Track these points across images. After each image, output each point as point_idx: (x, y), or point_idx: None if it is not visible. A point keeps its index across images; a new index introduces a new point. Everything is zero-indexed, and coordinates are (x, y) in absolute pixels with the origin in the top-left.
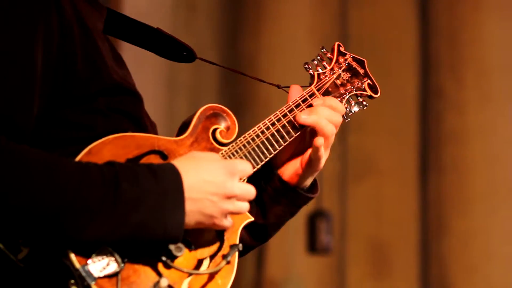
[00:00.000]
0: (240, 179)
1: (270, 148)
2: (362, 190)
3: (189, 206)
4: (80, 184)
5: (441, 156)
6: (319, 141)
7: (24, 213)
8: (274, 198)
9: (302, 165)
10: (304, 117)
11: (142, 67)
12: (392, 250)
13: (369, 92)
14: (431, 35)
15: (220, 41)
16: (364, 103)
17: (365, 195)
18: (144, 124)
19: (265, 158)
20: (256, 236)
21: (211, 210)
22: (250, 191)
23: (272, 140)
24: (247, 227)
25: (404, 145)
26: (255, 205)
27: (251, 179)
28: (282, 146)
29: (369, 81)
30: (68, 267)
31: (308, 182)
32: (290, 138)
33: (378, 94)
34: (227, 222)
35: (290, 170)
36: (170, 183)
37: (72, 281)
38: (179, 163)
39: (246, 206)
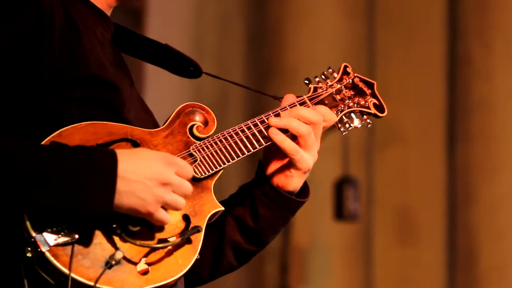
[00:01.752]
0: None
1: (244, 149)
2: (389, 157)
3: (122, 186)
4: (17, 158)
5: (469, 124)
6: (278, 137)
7: None
8: (264, 203)
9: (288, 168)
10: (275, 120)
11: (168, 34)
12: (419, 217)
13: (373, 111)
14: (459, 1)
15: (246, 7)
16: (368, 121)
17: (392, 163)
18: (123, 116)
19: (237, 157)
20: (251, 240)
21: (144, 194)
22: (186, 184)
23: (253, 139)
24: (241, 232)
25: (431, 113)
26: (249, 210)
27: (243, 185)
28: (257, 149)
29: (375, 101)
30: (24, 234)
31: (298, 185)
32: (265, 143)
33: (384, 114)
34: (162, 213)
35: (279, 175)
36: (104, 164)
37: (29, 248)
38: (120, 150)
39: (182, 201)
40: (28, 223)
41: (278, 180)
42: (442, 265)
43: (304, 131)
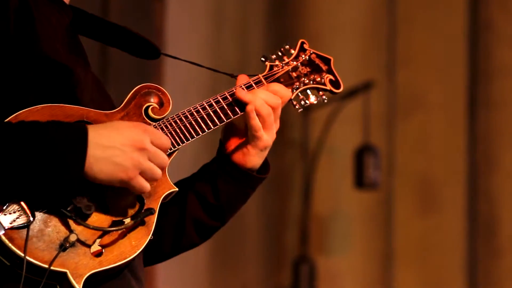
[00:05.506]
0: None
1: (204, 127)
2: (410, 125)
3: (97, 153)
4: None
5: (490, 91)
6: (249, 107)
7: None
8: (224, 179)
9: (247, 145)
10: (243, 93)
11: (188, 4)
12: (440, 185)
13: (329, 87)
14: None
15: None
16: (324, 97)
17: (413, 131)
18: (77, 98)
19: (195, 136)
20: (212, 216)
21: (122, 159)
22: (162, 155)
23: (207, 119)
24: (203, 208)
25: (453, 80)
26: (210, 187)
27: (204, 164)
28: (217, 126)
29: (331, 77)
30: None
31: (257, 162)
32: (227, 120)
33: (340, 89)
34: (142, 180)
35: (238, 152)
36: (75, 132)
37: None
38: (92, 124)
39: (159, 171)
40: None
41: (238, 157)
42: (463, 233)
43: (265, 111)
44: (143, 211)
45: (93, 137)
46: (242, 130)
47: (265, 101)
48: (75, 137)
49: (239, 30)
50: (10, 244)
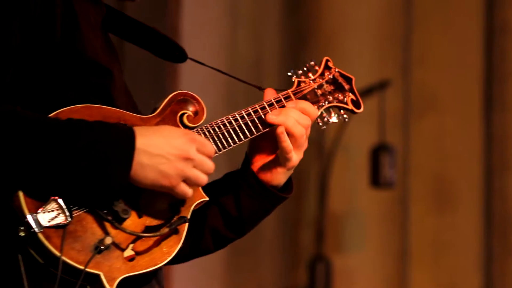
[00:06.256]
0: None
1: (236, 138)
2: (425, 125)
3: (144, 159)
4: (36, 127)
5: (505, 92)
6: (279, 129)
7: None
8: (248, 194)
9: (275, 163)
10: (273, 117)
11: (203, 3)
12: (455, 185)
13: (350, 107)
14: None
15: None
16: (345, 116)
17: (428, 130)
18: (113, 100)
19: (227, 147)
20: (231, 228)
21: (166, 168)
22: (208, 162)
23: (238, 131)
24: (223, 219)
25: (468, 81)
26: (232, 199)
27: (228, 173)
28: (248, 139)
29: (353, 96)
30: (17, 214)
31: (282, 180)
32: (257, 133)
33: (361, 110)
34: (185, 187)
35: (264, 168)
36: (123, 135)
37: (22, 227)
38: (139, 127)
39: (204, 177)
40: (23, 203)
41: (264, 173)
42: (478, 232)
43: (298, 132)
44: (176, 219)
45: (140, 143)
46: (270, 146)
47: (297, 121)
48: (123, 144)
49: (255, 28)
50: (47, 243)
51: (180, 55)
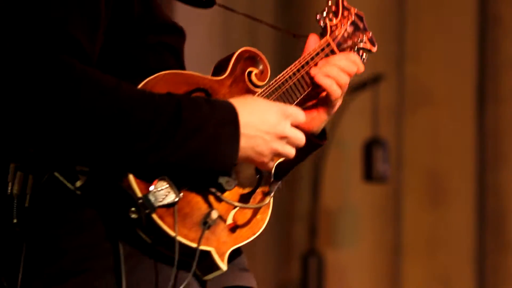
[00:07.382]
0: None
1: (296, 93)
2: (418, 119)
3: (243, 142)
4: (146, 108)
5: (499, 85)
6: (326, 81)
7: (95, 133)
8: None
9: (317, 110)
10: (321, 78)
11: None
12: (449, 180)
13: (369, 46)
14: None
15: None
16: (364, 57)
17: (422, 125)
18: (183, 61)
19: (293, 102)
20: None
21: (262, 148)
22: (301, 137)
23: (298, 85)
24: None
25: (461, 74)
26: None
27: None
28: (305, 93)
29: (368, 35)
30: (129, 195)
31: (320, 128)
32: (312, 85)
33: (375, 48)
34: (272, 163)
35: (306, 115)
36: (227, 115)
37: (133, 209)
38: (235, 101)
39: (293, 151)
40: (134, 183)
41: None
42: (472, 227)
43: (344, 81)
44: (270, 186)
45: (242, 127)
46: (313, 94)
47: (343, 69)
48: (229, 129)
49: (248, 22)
50: (161, 223)
51: (208, 1)
